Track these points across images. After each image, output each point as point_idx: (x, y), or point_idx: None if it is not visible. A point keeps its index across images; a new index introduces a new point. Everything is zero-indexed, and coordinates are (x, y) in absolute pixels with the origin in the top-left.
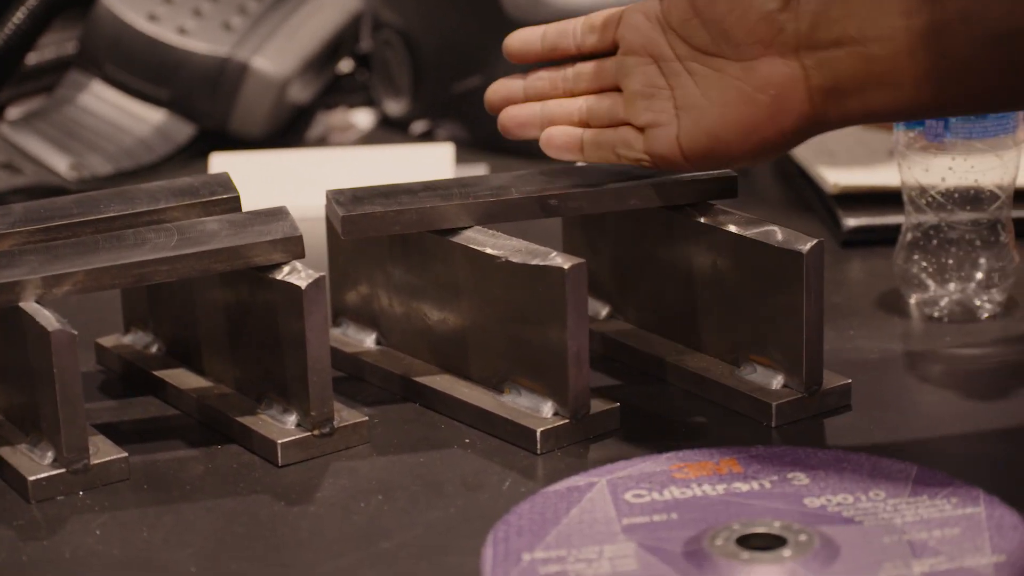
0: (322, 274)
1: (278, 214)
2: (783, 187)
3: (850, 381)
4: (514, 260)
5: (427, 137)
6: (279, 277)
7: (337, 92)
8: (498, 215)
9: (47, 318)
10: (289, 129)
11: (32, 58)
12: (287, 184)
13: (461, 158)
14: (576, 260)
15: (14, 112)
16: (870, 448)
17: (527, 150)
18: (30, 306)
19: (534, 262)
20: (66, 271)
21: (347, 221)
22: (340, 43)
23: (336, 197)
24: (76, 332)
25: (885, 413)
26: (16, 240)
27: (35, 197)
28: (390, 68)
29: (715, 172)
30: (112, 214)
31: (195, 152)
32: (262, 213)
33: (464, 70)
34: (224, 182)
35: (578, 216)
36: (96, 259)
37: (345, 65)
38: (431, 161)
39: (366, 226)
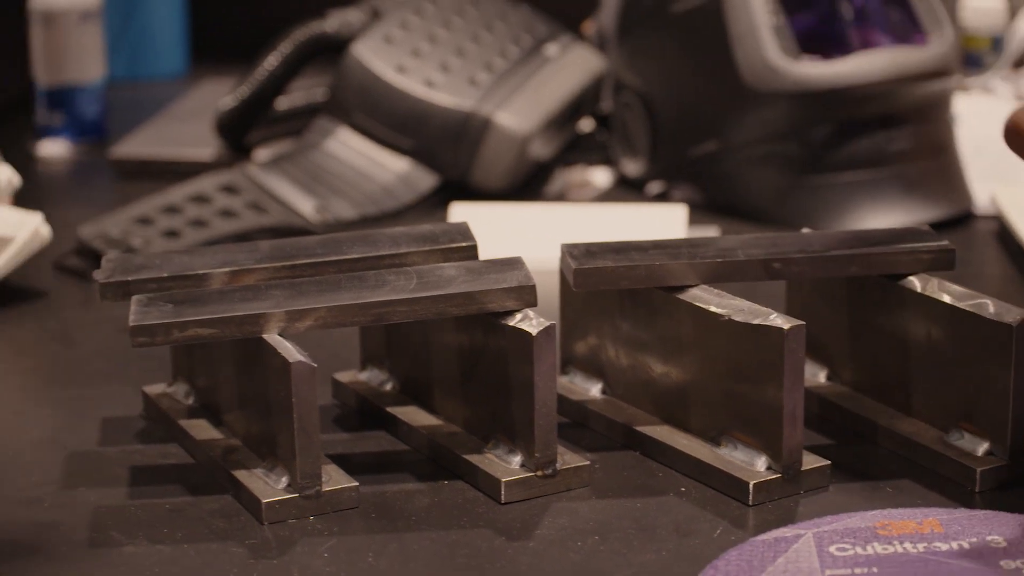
0: (552, 322)
1: (514, 264)
2: (1005, 261)
3: None
4: (736, 319)
5: (662, 198)
6: (511, 323)
7: (577, 150)
8: (723, 275)
9: (288, 350)
10: (528, 184)
11: (283, 103)
12: (524, 236)
13: (694, 220)
14: (795, 322)
15: (263, 154)
16: None
17: (758, 215)
18: (273, 338)
19: (755, 321)
20: (309, 307)
21: (579, 274)
22: (582, 103)
23: (570, 250)
24: (315, 365)
25: None
26: (262, 275)
27: (280, 237)
28: (629, 129)
29: (933, 244)
30: (355, 256)
31: (436, 201)
32: (498, 262)
33: (701, 135)
34: (463, 231)
35: (802, 280)
36: (338, 297)
37: (586, 124)
38: (664, 221)
39: (597, 279)
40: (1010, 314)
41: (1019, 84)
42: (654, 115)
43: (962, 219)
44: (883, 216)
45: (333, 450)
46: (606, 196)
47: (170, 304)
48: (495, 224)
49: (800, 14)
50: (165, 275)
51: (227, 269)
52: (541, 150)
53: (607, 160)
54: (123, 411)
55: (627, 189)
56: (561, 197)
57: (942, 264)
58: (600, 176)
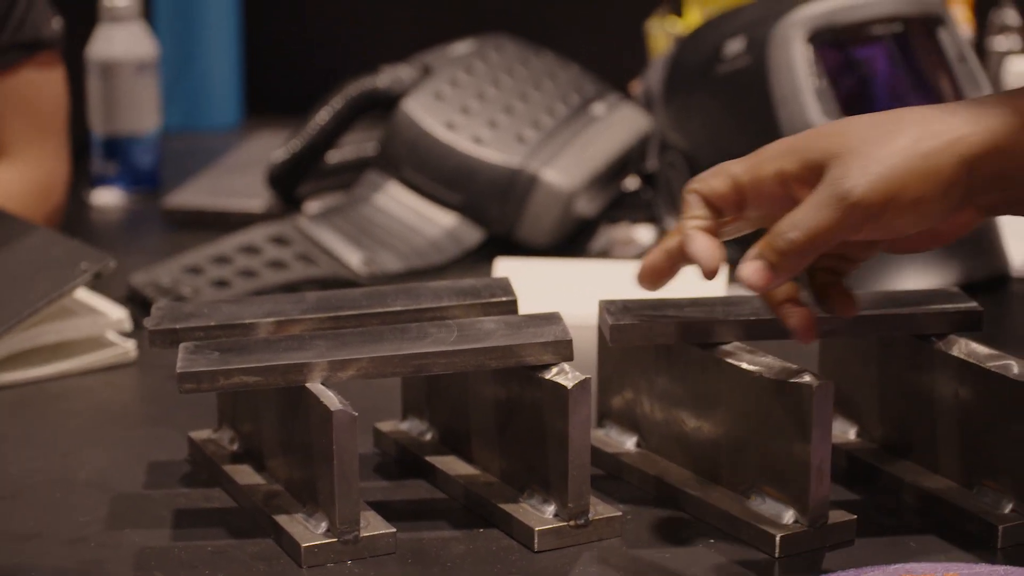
0: (588, 376)
1: (552, 319)
2: None
3: None
4: (767, 376)
5: None
6: (548, 377)
7: (622, 208)
8: (756, 333)
9: (331, 399)
10: (574, 240)
11: (334, 156)
12: (566, 291)
13: (734, 278)
14: (824, 380)
15: (313, 206)
16: None
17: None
18: (316, 387)
19: (785, 379)
20: (351, 357)
21: (615, 329)
22: (627, 161)
23: (608, 307)
24: (356, 414)
25: None
26: (308, 326)
27: (327, 288)
28: (673, 188)
29: (962, 305)
30: (398, 308)
31: (482, 255)
32: (537, 317)
33: None
34: (504, 286)
35: (833, 339)
36: (380, 348)
37: (631, 182)
38: (705, 279)
39: (632, 335)
40: None
41: None
42: (697, 174)
43: (999, 280)
44: (919, 277)
45: (372, 497)
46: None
47: (217, 352)
48: (538, 279)
49: (843, 78)
50: (213, 324)
51: (273, 319)
52: (586, 207)
53: (651, 218)
54: (169, 455)
55: None
56: (605, 254)
57: (970, 325)
58: (644, 234)
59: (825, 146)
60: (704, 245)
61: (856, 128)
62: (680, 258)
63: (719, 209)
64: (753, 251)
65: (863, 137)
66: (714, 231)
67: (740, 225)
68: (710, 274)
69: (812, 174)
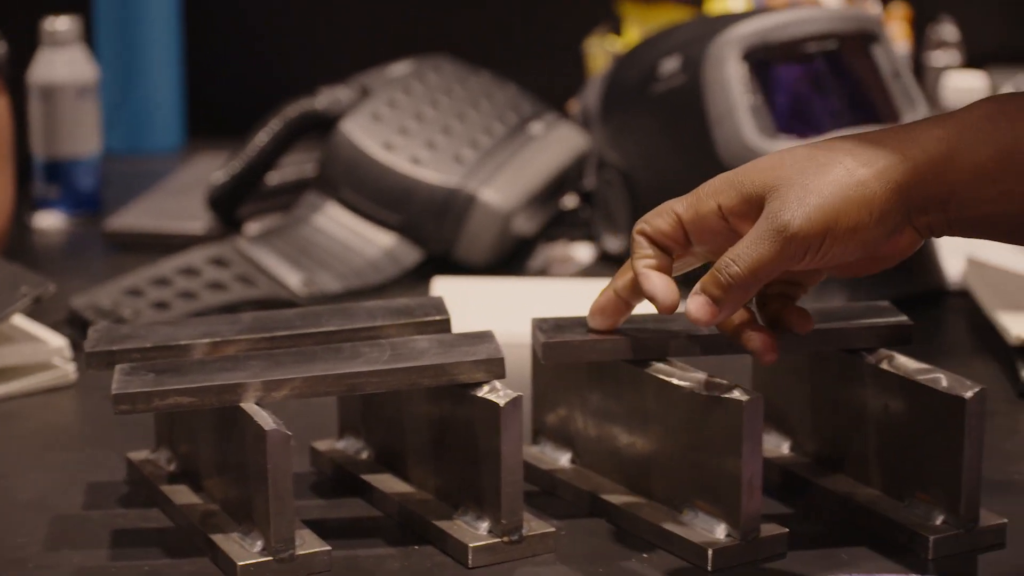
0: (519, 394)
1: (484, 337)
2: (970, 336)
3: (1006, 521)
4: (698, 391)
5: None
6: (480, 394)
7: (559, 226)
8: (688, 350)
9: (264, 418)
10: (512, 259)
11: (273, 178)
12: (502, 310)
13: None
14: (754, 394)
15: (253, 228)
16: None
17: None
18: (250, 407)
19: (716, 394)
20: (285, 377)
21: (547, 347)
22: (565, 180)
23: (540, 325)
24: (290, 433)
25: None
26: (242, 346)
27: (266, 309)
28: (611, 206)
29: (892, 319)
30: (332, 328)
31: (421, 275)
32: (470, 335)
33: None
34: (438, 305)
35: None
36: (313, 368)
37: (569, 201)
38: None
39: (565, 353)
40: (963, 387)
41: None
42: (635, 192)
43: (935, 295)
44: (853, 292)
45: (309, 515)
46: (587, 271)
47: (152, 373)
48: (475, 298)
49: (778, 95)
50: (149, 345)
51: (208, 340)
52: (524, 226)
53: (589, 236)
54: (108, 476)
55: (608, 264)
56: (543, 272)
57: (899, 339)
58: (582, 252)
59: (762, 180)
60: (658, 283)
61: (791, 160)
62: (630, 296)
63: (666, 247)
64: (697, 287)
65: (799, 169)
66: (665, 268)
67: (688, 260)
68: (668, 310)
69: (751, 208)
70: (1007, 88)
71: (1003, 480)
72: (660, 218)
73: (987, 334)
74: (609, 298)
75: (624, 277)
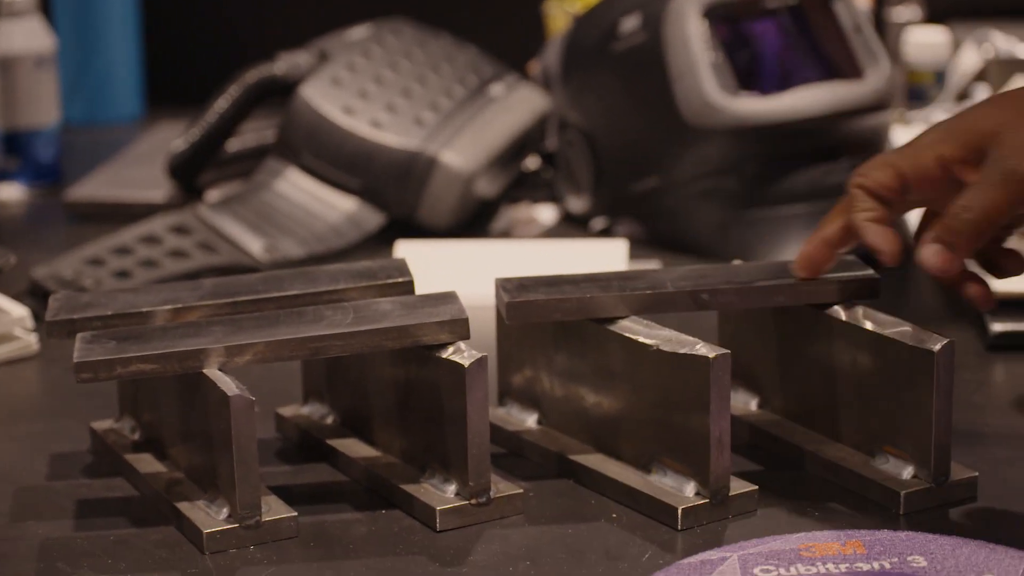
0: (484, 354)
1: (448, 298)
2: (941, 294)
3: (977, 474)
4: (664, 348)
5: (606, 234)
6: (444, 356)
7: (522, 188)
8: (652, 307)
9: (228, 384)
10: (475, 221)
11: (234, 145)
12: (466, 272)
13: (636, 255)
14: (721, 350)
15: (214, 195)
16: (990, 538)
17: (699, 249)
18: (213, 373)
19: (682, 351)
20: (247, 342)
21: (511, 307)
22: (527, 141)
23: (504, 285)
24: (254, 398)
25: (1009, 506)
26: (204, 312)
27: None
28: (573, 167)
29: (859, 273)
30: (294, 292)
31: (383, 239)
32: (433, 297)
33: (642, 171)
34: (400, 267)
35: (733, 311)
36: (276, 332)
37: (531, 162)
38: (605, 256)
39: (529, 312)
40: (932, 340)
41: None
42: (597, 152)
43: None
44: None
45: (274, 482)
46: (551, 233)
47: (113, 341)
48: (439, 261)
49: (739, 52)
50: (110, 313)
51: (170, 307)
52: (486, 188)
53: (552, 197)
54: (72, 446)
55: (572, 225)
56: (506, 234)
57: (867, 293)
58: (545, 213)
59: (983, 126)
60: (881, 234)
61: (1011, 103)
62: (839, 244)
63: (885, 199)
64: (930, 235)
65: (1019, 111)
66: (884, 220)
67: (901, 208)
68: (893, 261)
69: (974, 155)
70: (970, 42)
71: (972, 432)
72: (879, 171)
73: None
74: (817, 246)
75: (832, 225)
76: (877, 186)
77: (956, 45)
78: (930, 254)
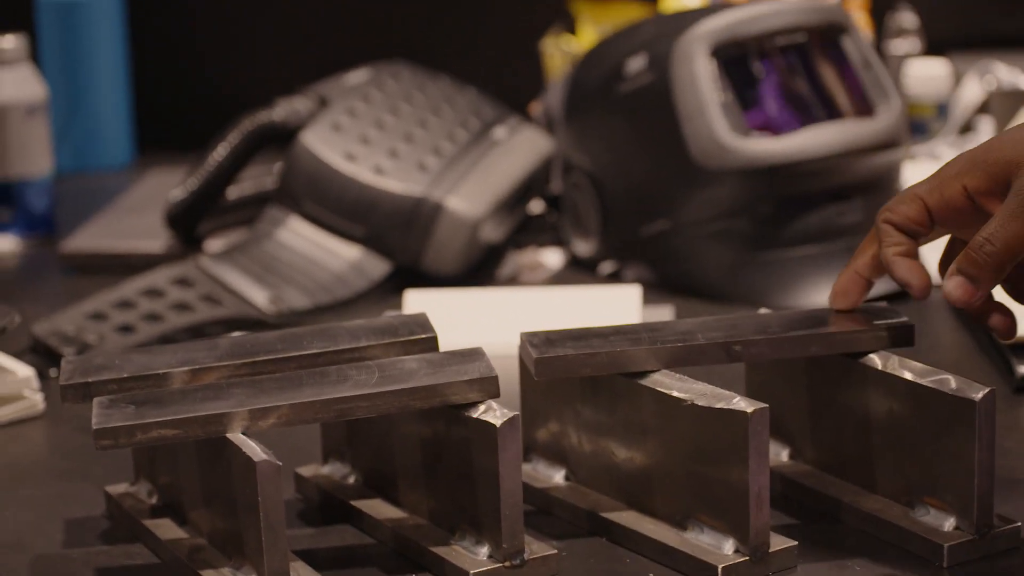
0: (516, 413)
1: (474, 355)
2: (960, 334)
3: (1020, 524)
4: (699, 403)
5: (614, 278)
6: (475, 415)
7: (528, 232)
8: (684, 359)
9: (253, 449)
10: (481, 267)
11: (233, 192)
12: (480, 322)
13: (647, 299)
14: (759, 404)
15: (215, 245)
16: None
17: (710, 292)
18: (237, 437)
19: (719, 405)
20: (271, 404)
21: (540, 363)
22: (531, 185)
23: (530, 339)
24: (280, 464)
25: None
26: (223, 373)
27: (234, 329)
28: (579, 210)
29: (893, 321)
30: (315, 351)
31: (389, 287)
32: (459, 353)
33: (651, 214)
34: (423, 322)
35: (762, 361)
36: (300, 394)
37: (536, 206)
38: (619, 303)
39: (558, 368)
40: (972, 389)
41: (965, 150)
42: (604, 195)
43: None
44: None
45: (299, 545)
46: (558, 277)
47: (132, 406)
48: (451, 311)
49: (748, 91)
50: (125, 375)
51: (187, 368)
52: (492, 233)
53: (558, 241)
54: (86, 511)
55: (579, 269)
56: (514, 280)
57: (902, 341)
58: (552, 257)
59: (1008, 156)
60: (910, 269)
61: None
62: (871, 275)
63: (912, 232)
64: (953, 268)
65: None
66: (913, 254)
67: (928, 239)
68: (922, 295)
69: (998, 186)
70: (972, 74)
71: (1007, 479)
72: (905, 204)
73: (973, 329)
74: (851, 278)
75: (864, 256)
76: (904, 220)
77: (957, 77)
78: (953, 287)
